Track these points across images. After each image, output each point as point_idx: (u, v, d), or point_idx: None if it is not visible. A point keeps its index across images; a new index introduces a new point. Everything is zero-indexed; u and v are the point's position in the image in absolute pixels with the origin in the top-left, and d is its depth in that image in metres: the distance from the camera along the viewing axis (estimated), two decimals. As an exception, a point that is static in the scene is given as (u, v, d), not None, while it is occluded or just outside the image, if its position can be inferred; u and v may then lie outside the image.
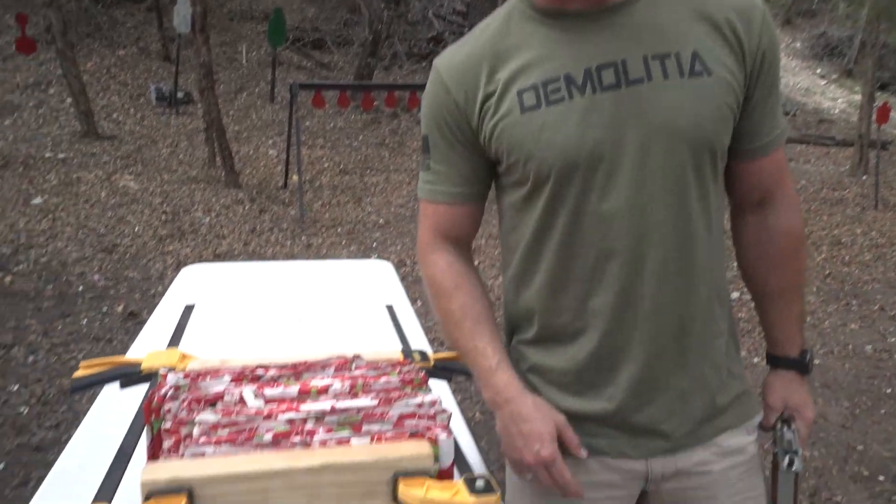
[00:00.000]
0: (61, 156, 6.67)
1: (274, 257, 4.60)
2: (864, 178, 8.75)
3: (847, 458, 2.62)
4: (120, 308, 3.74)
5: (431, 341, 1.53)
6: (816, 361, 3.52)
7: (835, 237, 5.95)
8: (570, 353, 0.94)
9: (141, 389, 0.96)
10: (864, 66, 8.90)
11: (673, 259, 0.88)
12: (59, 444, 2.59)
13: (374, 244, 5.03)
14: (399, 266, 4.65)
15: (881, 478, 2.49)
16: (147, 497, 0.62)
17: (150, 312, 2.89)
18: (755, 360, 3.52)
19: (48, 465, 2.39)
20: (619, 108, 0.85)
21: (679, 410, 0.94)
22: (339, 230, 5.29)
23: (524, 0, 0.90)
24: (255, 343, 1.30)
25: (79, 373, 0.96)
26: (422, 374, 0.83)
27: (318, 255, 4.71)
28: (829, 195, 7.81)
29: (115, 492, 0.70)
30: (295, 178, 5.77)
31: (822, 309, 4.27)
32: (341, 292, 1.77)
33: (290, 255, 4.66)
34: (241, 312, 1.54)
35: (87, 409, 1.13)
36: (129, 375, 0.95)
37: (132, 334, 3.23)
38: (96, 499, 0.68)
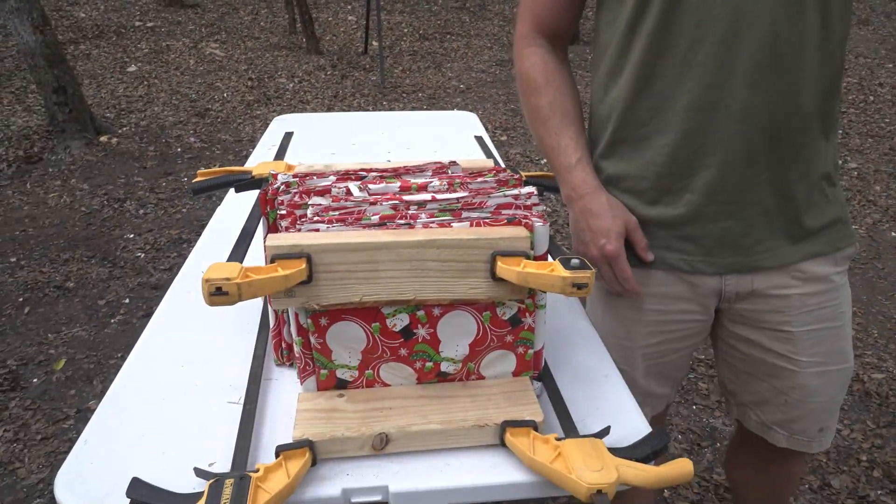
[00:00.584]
0: (150, 24, 6.80)
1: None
2: None
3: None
4: (216, 167, 3.95)
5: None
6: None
7: (962, 103, 5.36)
8: (647, 156, 0.92)
9: (252, 195, 1.04)
10: None
11: (773, 58, 0.81)
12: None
13: (455, 109, 4.98)
14: (480, 131, 4.61)
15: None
16: (272, 260, 0.69)
17: (246, 164, 2.99)
18: (853, 227, 3.36)
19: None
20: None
21: (761, 226, 0.91)
22: (419, 95, 5.25)
23: None
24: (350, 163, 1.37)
25: (197, 179, 1.05)
26: (516, 176, 0.86)
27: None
28: (963, 57, 6.95)
29: (243, 258, 0.79)
30: (375, 43, 5.67)
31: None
32: (430, 133, 1.80)
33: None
34: (335, 147, 1.60)
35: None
36: (242, 181, 1.02)
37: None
38: (231, 258, 0.77)
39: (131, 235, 3.24)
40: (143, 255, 3.07)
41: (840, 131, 4.72)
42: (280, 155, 1.34)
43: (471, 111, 5.17)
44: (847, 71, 6.31)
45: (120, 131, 4.41)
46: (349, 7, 7.97)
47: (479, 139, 1.52)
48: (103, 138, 4.23)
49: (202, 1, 7.80)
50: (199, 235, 1.18)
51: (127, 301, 2.73)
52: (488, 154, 1.38)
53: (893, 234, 3.28)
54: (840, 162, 4.10)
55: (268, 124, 4.48)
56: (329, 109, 4.87)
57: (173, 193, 3.66)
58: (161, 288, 2.84)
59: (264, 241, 0.78)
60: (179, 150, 4.16)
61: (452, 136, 1.72)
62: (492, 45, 6.62)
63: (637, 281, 0.94)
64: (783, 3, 0.79)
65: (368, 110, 4.89)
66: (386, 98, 5.14)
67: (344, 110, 4.85)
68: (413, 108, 4.95)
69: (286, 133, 1.55)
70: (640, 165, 0.93)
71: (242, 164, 3.88)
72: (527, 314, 0.78)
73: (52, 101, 4.03)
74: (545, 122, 0.96)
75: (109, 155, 4.09)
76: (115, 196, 3.61)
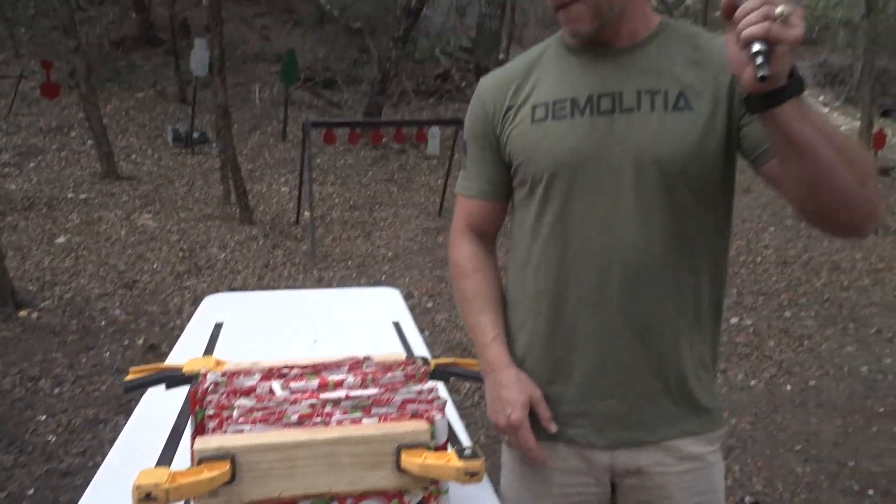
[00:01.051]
0: (83, 196, 6.93)
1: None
2: (866, 204, 8.88)
3: (838, 473, 2.71)
4: (140, 341, 3.91)
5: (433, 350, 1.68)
6: (812, 382, 3.63)
7: (834, 262, 6.06)
8: (545, 340, 1.09)
9: (182, 392, 1.12)
10: (870, 89, 9.09)
11: (637, 266, 1.01)
12: (85, 470, 2.74)
13: (383, 276, 5.20)
14: (407, 298, 4.81)
15: (871, 492, 2.58)
16: (199, 462, 0.78)
17: (169, 345, 3.03)
18: (752, 382, 3.63)
19: (76, 489, 2.57)
20: (609, 130, 1.01)
21: (643, 405, 1.05)
22: (349, 264, 5.47)
23: (559, 39, 1.11)
24: (277, 356, 1.47)
25: (129, 377, 1.13)
26: (423, 369, 0.99)
27: (330, 287, 4.88)
28: (831, 222, 7.93)
29: (171, 461, 0.86)
30: (307, 213, 5.97)
31: (819, 333, 4.37)
32: (352, 314, 1.94)
33: (302, 288, 4.84)
34: (263, 333, 1.70)
35: (111, 437, 1.29)
36: (173, 378, 1.11)
37: (153, 363, 3.41)
38: (157, 465, 0.84)
39: (43, 417, 3.11)
40: (54, 439, 2.93)
41: (734, 290, 5.21)
42: (210, 348, 1.43)
43: (398, 278, 5.36)
44: (736, 235, 7.06)
45: (42, 305, 4.35)
46: (283, 179, 8.41)
47: (397, 325, 1.67)
48: (22, 312, 4.15)
49: (138, 173, 8.07)
50: (118, 415, 1.21)
51: (31, 492, 2.57)
52: (404, 340, 1.52)
53: (789, 387, 3.56)
54: (737, 319, 4.49)
55: (197, 296, 4.53)
56: (259, 279, 4.99)
57: (93, 370, 3.58)
58: (72, 474, 2.70)
59: (192, 441, 0.87)
60: (104, 323, 4.12)
61: (374, 317, 1.86)
62: (418, 214, 7.08)
63: (546, 454, 1.07)
64: (643, 228, 1.01)
65: (298, 279, 5.04)
66: (316, 267, 5.34)
67: (274, 280, 4.99)
68: (342, 277, 5.15)
69: (216, 324, 1.64)
70: (539, 348, 1.10)
71: (169, 338, 3.87)
72: (432, 500, 0.88)
73: (-28, 276, 3.99)
74: (469, 303, 1.16)
75: (28, 330, 4.00)
76: (29, 374, 3.49)
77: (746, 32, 0.76)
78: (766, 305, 4.88)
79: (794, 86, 0.80)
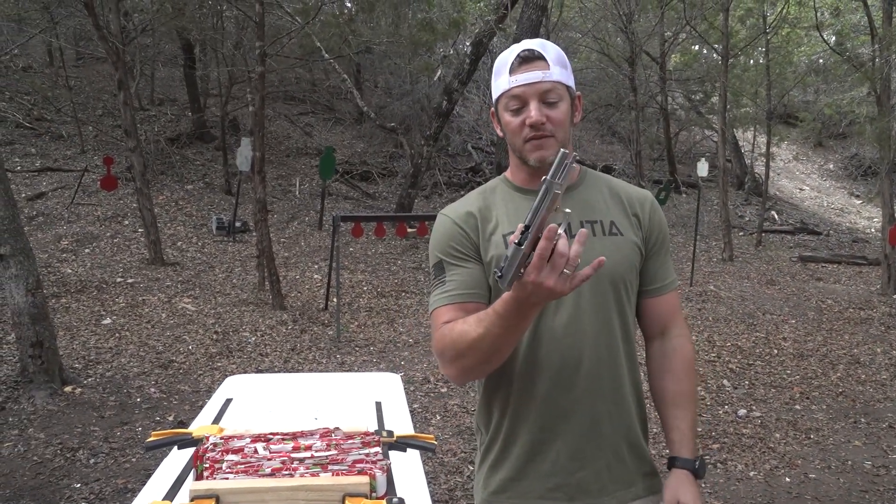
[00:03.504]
0: (130, 280, 7.47)
1: (309, 373, 5.05)
2: (895, 297, 8.83)
3: (827, 565, 2.75)
4: (171, 417, 4.21)
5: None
6: (812, 476, 3.66)
7: (853, 356, 6.06)
8: (524, 424, 1.31)
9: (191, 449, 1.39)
10: (882, 187, 9.24)
11: (600, 357, 1.30)
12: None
13: (403, 363, 5.45)
14: (423, 383, 5.03)
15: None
16: (192, 499, 1.05)
17: (198, 416, 3.26)
18: (751, 473, 3.68)
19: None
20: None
21: (604, 475, 1.32)
22: (371, 349, 5.75)
23: (504, 179, 1.41)
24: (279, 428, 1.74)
25: (150, 439, 1.41)
26: (376, 438, 1.25)
27: (351, 371, 5.14)
28: (855, 314, 7.91)
29: (174, 497, 1.13)
30: (335, 300, 6.33)
31: (828, 426, 4.40)
32: (353, 395, 2.20)
33: (324, 371, 5.11)
34: (271, 408, 1.98)
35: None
36: (184, 440, 1.39)
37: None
38: (164, 498, 1.11)
39: (78, 485, 3.38)
40: (85, 505, 3.19)
41: (746, 382, 5.27)
42: (218, 418, 1.71)
43: (416, 364, 5.61)
44: (755, 326, 7.12)
45: (85, 381, 4.71)
46: (316, 266, 8.87)
47: (378, 405, 1.93)
48: (68, 388, 4.51)
49: (182, 259, 8.65)
50: (144, 485, 1.48)
51: (62, 553, 2.81)
52: (380, 417, 1.78)
53: (788, 479, 3.60)
54: (745, 411, 4.56)
55: (226, 375, 4.82)
56: (285, 362, 5.29)
57: (126, 443, 3.86)
58: (99, 539, 2.94)
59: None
60: (139, 400, 4.44)
61: (371, 398, 2.12)
62: (441, 302, 7.37)
63: None
64: (603, 328, 1.30)
65: (322, 363, 5.32)
66: (340, 351, 5.62)
67: (299, 363, 5.28)
68: (363, 361, 5.41)
69: (227, 399, 1.93)
70: (517, 438, 1.32)
71: (196, 414, 4.16)
72: (370, 539, 1.12)
73: (27, 354, 4.39)
74: (469, 328, 1.16)
75: (71, 405, 4.34)
76: (69, 445, 3.79)
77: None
78: (777, 398, 4.93)
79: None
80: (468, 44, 10.81)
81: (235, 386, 2.35)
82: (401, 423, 1.83)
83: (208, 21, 13.29)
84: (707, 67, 17.33)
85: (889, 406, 4.84)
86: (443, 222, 1.36)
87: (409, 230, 8.32)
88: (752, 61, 18.04)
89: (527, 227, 1.00)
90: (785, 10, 13.26)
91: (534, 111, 1.25)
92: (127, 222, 9.75)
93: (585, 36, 15.76)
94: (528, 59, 1.27)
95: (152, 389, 4.61)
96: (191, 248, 9.28)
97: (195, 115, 13.48)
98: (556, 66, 1.28)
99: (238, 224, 10.10)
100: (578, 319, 1.29)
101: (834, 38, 14.23)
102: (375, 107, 14.60)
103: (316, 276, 8.35)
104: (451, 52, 13.56)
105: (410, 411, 4.39)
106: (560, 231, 1.01)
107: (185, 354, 5.33)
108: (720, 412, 4.59)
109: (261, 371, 5.04)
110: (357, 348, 5.75)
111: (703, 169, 9.95)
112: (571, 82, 1.33)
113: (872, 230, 16.05)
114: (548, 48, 1.29)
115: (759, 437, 4.16)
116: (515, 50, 1.29)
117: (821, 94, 20.67)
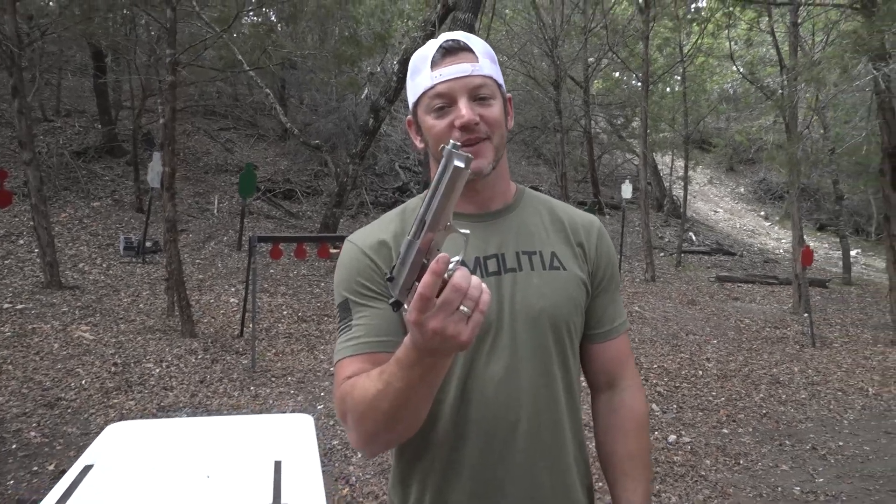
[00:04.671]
0: (20, 307, 6.76)
1: (219, 409, 4.62)
2: (805, 315, 9.19)
3: None
4: (52, 467, 3.70)
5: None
6: (745, 505, 3.59)
7: (773, 376, 6.18)
8: (455, 488, 1.07)
9: None
10: (791, 210, 9.66)
11: (541, 419, 1.08)
12: None
13: (323, 393, 5.09)
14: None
15: None
16: None
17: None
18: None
19: None
20: (499, 290, 1.08)
21: None
22: (289, 379, 5.36)
23: None
24: (165, 492, 1.42)
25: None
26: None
27: (265, 406, 4.75)
28: (771, 333, 8.15)
29: None
30: (251, 326, 5.90)
31: (756, 450, 4.38)
32: (255, 445, 1.89)
33: (236, 407, 4.69)
34: (142, 470, 1.65)
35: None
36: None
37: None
38: None
39: (-71, 554, 2.87)
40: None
41: (675, 406, 5.23)
42: (69, 493, 1.37)
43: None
44: (679, 347, 7.18)
45: (-48, 426, 4.11)
46: (233, 289, 8.36)
47: (278, 467, 1.63)
48: (-71, 435, 3.91)
49: (83, 283, 7.94)
50: None
51: None
52: (277, 487, 1.49)
53: (721, 510, 3.51)
54: (675, 437, 4.48)
55: (122, 415, 4.34)
56: (192, 396, 4.83)
57: (-5, 498, 3.35)
58: None
59: None
60: (14, 446, 3.90)
61: (274, 449, 1.82)
62: (366, 326, 7.04)
63: None
64: (543, 376, 1.08)
65: (234, 396, 4.90)
66: (254, 383, 5.21)
67: (207, 397, 4.84)
68: (280, 393, 5.02)
69: (85, 466, 1.59)
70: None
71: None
72: None
73: None
74: (371, 382, 0.94)
75: (-69, 454, 3.75)
76: (-76, 505, 3.25)
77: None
78: (704, 422, 4.90)
79: None
80: (396, 62, 10.63)
81: (115, 436, 1.99)
82: (304, 488, 1.54)
83: (121, 28, 12.55)
84: (628, 93, 17.91)
85: (810, 427, 4.89)
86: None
87: (333, 251, 7.97)
88: (668, 89, 18.82)
89: (422, 220, 0.79)
90: (700, 41, 13.85)
91: (464, 109, 1.03)
92: (22, 242, 8.91)
93: (512, 59, 15.95)
94: (454, 51, 1.06)
95: (33, 433, 4.07)
96: (94, 270, 8.57)
97: (105, 128, 12.65)
98: (486, 59, 1.08)
99: (149, 244, 9.43)
100: (514, 371, 1.07)
101: (742, 68, 14.99)
102: (300, 124, 14.18)
103: (232, 300, 7.85)
104: (379, 69, 13.36)
105: (329, 449, 4.06)
106: (455, 260, 0.79)
107: (76, 390, 4.78)
108: (651, 439, 4.50)
109: (163, 407, 4.57)
110: (273, 378, 5.35)
111: (627, 191, 10.13)
112: (502, 80, 1.12)
113: (781, 251, 16.90)
114: (473, 40, 1.08)
115: (691, 464, 4.08)
116: (437, 42, 1.07)
117: (732, 122, 21.79)
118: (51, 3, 10.15)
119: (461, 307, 0.79)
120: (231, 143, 14.94)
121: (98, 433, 4.05)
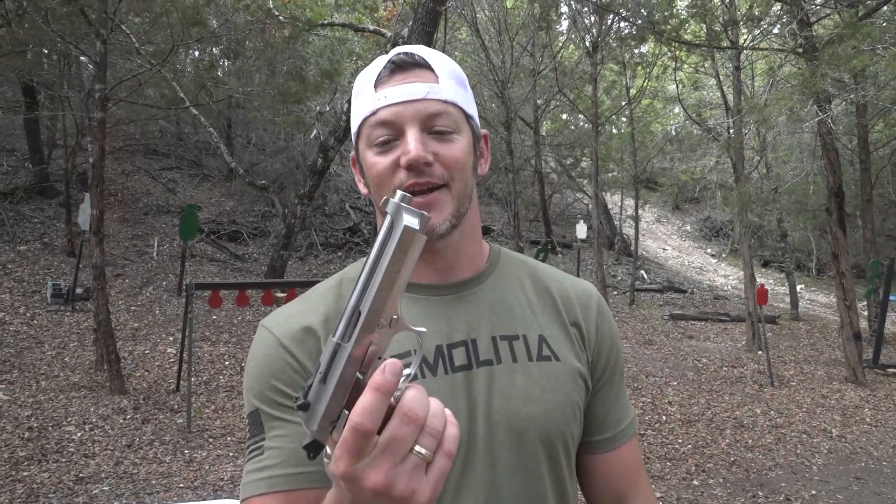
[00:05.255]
0: (-75, 364, 6.09)
1: (147, 477, 4.13)
2: (760, 353, 9.19)
3: None
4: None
5: None
6: (727, 570, 3.33)
7: (737, 419, 6.03)
8: None
9: None
10: (742, 249, 9.79)
11: None
12: None
13: (266, 453, 4.65)
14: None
15: None
16: None
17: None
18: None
19: None
20: (470, 393, 0.78)
21: None
22: (228, 440, 4.90)
23: None
24: None
25: None
26: None
27: (200, 472, 4.28)
28: (729, 373, 8.09)
29: None
30: (188, 380, 5.41)
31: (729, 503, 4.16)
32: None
33: (167, 474, 4.21)
34: None
35: None
36: None
37: None
38: None
39: None
40: None
41: (641, 455, 4.99)
42: None
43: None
44: (640, 390, 7.00)
45: None
46: (170, 339, 7.80)
47: None
48: None
49: (2, 334, 7.27)
50: None
51: None
52: None
53: (702, 577, 3.24)
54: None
55: (31, 490, 3.81)
56: (118, 464, 4.32)
57: None
58: None
59: None
60: None
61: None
62: (315, 377, 6.62)
63: None
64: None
65: (165, 462, 4.41)
66: (189, 445, 4.73)
67: (135, 464, 4.34)
68: (217, 457, 4.56)
69: None
70: None
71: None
72: None
73: None
74: None
75: None
76: None
77: None
78: (673, 473, 4.67)
79: None
80: (345, 100, 10.44)
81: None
82: None
83: (56, 63, 12.00)
84: (577, 133, 18.22)
85: (780, 475, 4.72)
86: (263, 343, 0.80)
87: (278, 296, 7.56)
88: (615, 130, 19.26)
89: (355, 311, 0.53)
90: (645, 84, 14.21)
91: (412, 142, 0.76)
92: (-67, 291, 8.18)
93: (463, 99, 16.00)
94: (406, 67, 0.79)
95: (-79, 518, 3.51)
96: (16, 319, 7.89)
97: (36, 167, 11.97)
98: (449, 81, 0.81)
99: (79, 290, 8.79)
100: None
101: (688, 110, 15.44)
102: (248, 163, 13.79)
103: (170, 351, 7.31)
104: (328, 108, 13.14)
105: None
106: (407, 374, 0.53)
107: (-20, 462, 4.21)
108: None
109: (81, 479, 4.05)
110: (211, 440, 4.88)
111: (581, 231, 10.10)
112: (473, 110, 0.85)
113: (730, 287, 17.21)
114: (434, 56, 0.82)
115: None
116: (386, 57, 0.80)
117: (676, 161, 22.44)
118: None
119: (417, 448, 0.52)
120: (174, 182, 14.39)
121: (0, 515, 3.53)
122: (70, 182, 11.19)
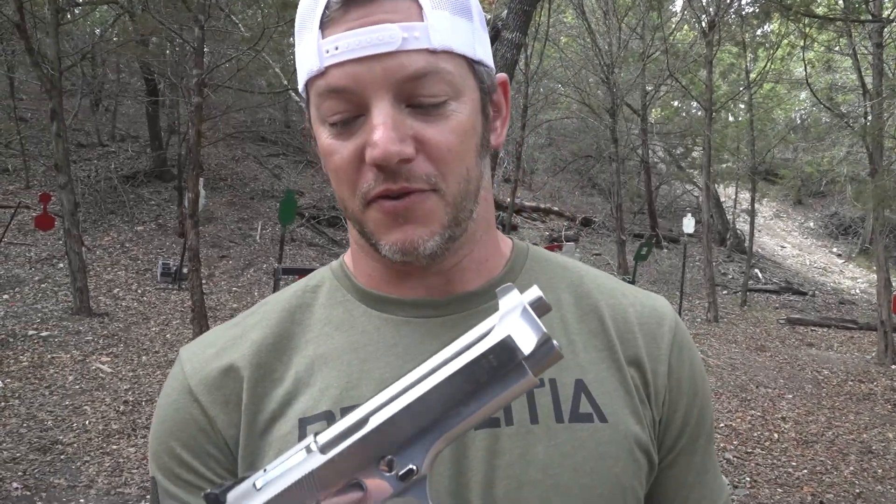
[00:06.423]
0: (45, 334, 6.54)
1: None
2: (894, 367, 8.17)
3: None
4: (29, 525, 3.29)
5: None
6: None
7: (864, 443, 5.32)
8: None
9: None
10: (877, 250, 8.72)
11: None
12: None
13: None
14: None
15: None
16: None
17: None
18: None
19: None
20: (459, 470, 0.53)
21: None
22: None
23: (342, 274, 0.61)
24: None
25: None
26: None
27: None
28: (856, 388, 7.22)
29: None
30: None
31: (853, 545, 3.61)
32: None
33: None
34: None
35: None
36: None
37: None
38: None
39: None
40: None
41: (748, 478, 4.48)
42: None
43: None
44: (749, 402, 6.37)
45: (-63, 470, 3.77)
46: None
47: None
48: None
49: (114, 309, 7.73)
50: None
51: None
52: None
53: None
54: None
55: (118, 464, 3.91)
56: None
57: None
58: None
59: None
60: (-7, 499, 3.52)
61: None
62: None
63: None
64: None
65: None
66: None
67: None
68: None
69: None
70: None
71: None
72: None
73: None
74: None
75: None
76: None
77: None
78: (785, 501, 4.13)
79: None
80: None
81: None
82: None
83: (175, 52, 12.69)
84: (689, 121, 17.13)
85: (918, 514, 4.07)
86: (171, 384, 0.59)
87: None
88: (731, 117, 17.92)
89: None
90: (768, 67, 13.03)
91: (380, 129, 0.50)
92: (61, 265, 8.83)
93: (566, 86, 15.47)
94: None
95: (15, 484, 3.68)
96: (128, 296, 8.38)
97: (155, 153, 12.75)
98: (441, 11, 0.52)
99: (185, 270, 9.22)
100: None
101: (817, 94, 14.04)
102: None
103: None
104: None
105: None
106: None
107: (77, 432, 4.41)
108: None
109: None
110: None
111: (689, 225, 9.39)
112: (483, 50, 0.56)
113: (858, 291, 15.60)
114: None
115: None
116: None
117: (800, 152, 20.59)
118: (97, 30, 10.29)
119: None
120: (279, 168, 14.90)
121: (88, 486, 3.63)
122: (183, 167, 11.80)
